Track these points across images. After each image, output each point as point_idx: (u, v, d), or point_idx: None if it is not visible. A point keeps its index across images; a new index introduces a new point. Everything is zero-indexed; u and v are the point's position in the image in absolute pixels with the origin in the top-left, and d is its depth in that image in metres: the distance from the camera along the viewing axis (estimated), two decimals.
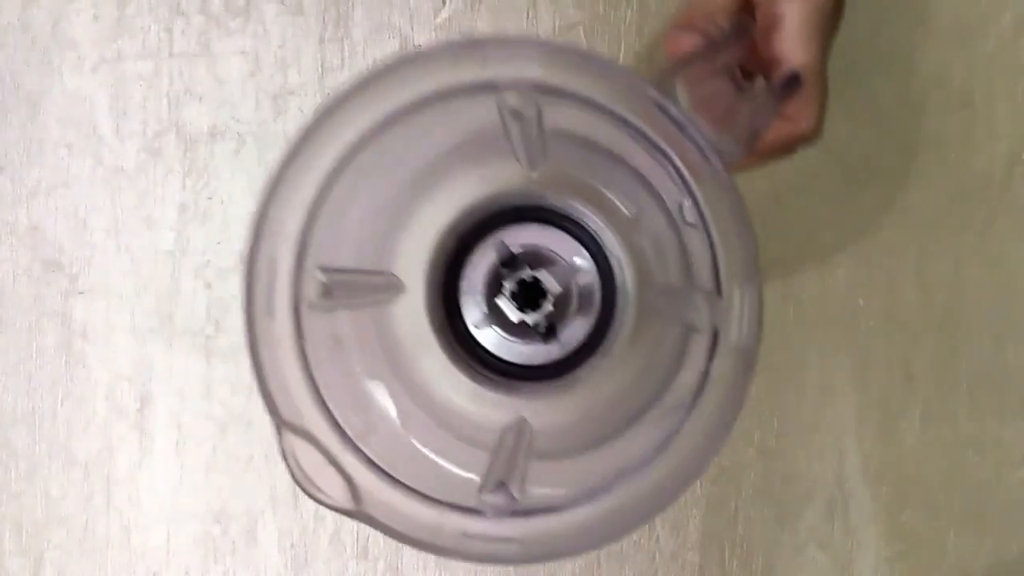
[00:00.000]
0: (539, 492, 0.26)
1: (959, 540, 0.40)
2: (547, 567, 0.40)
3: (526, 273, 0.35)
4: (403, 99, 0.25)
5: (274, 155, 0.41)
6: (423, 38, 0.41)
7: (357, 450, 0.25)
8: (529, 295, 0.35)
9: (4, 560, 0.42)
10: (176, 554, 0.42)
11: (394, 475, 0.25)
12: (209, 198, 0.42)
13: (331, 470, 0.24)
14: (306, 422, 0.24)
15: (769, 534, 0.40)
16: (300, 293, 0.25)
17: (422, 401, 0.32)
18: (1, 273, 0.42)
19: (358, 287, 0.28)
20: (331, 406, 0.25)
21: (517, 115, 0.25)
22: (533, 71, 0.24)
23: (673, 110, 0.24)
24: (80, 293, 0.42)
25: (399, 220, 0.32)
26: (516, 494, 0.25)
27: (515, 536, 0.25)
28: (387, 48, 0.41)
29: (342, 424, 0.25)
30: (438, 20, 0.41)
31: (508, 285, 0.35)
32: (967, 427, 0.40)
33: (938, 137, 0.40)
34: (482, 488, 0.26)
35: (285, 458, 0.24)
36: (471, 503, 0.25)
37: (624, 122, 0.25)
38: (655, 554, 0.40)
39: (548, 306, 0.35)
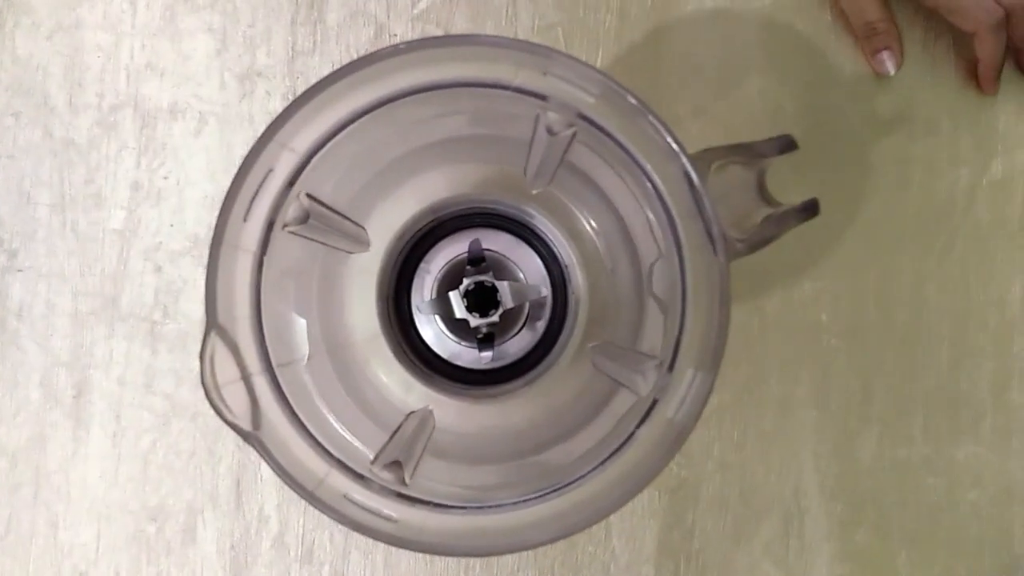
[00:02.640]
0: (427, 484, 0.27)
1: (909, 561, 0.40)
2: (503, 574, 0.39)
3: (488, 278, 0.35)
4: (454, 74, 0.24)
5: (237, 137, 0.40)
6: (399, 28, 0.40)
7: (272, 376, 0.25)
8: (482, 299, 0.35)
9: None
10: (106, 553, 0.40)
11: (298, 413, 0.25)
12: (165, 178, 0.40)
13: (240, 387, 0.24)
14: (237, 332, 0.24)
15: (724, 549, 0.40)
16: (280, 210, 0.25)
17: (338, 357, 0.31)
18: None
19: (331, 226, 0.28)
20: (264, 327, 0.24)
21: (551, 133, 0.25)
22: (586, 100, 0.24)
23: (700, 186, 0.24)
24: (19, 270, 0.40)
25: (388, 182, 0.31)
26: (407, 478, 0.26)
27: (395, 516, 0.25)
28: (361, 35, 0.40)
29: (268, 348, 0.24)
30: (415, 11, 0.40)
31: (466, 282, 0.35)
32: (921, 448, 0.40)
33: (903, 160, 0.41)
34: (375, 460, 0.26)
35: (202, 359, 0.24)
36: (361, 470, 0.25)
37: (647, 179, 0.25)
38: (610, 565, 0.40)
39: (495, 316, 0.35)
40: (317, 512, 0.39)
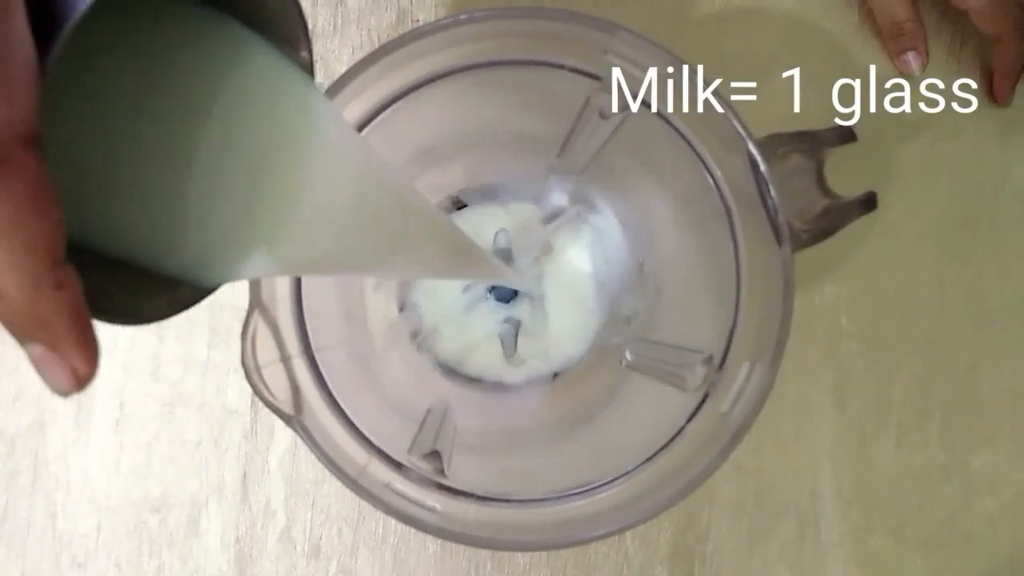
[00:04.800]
0: (467, 477, 0.26)
1: (924, 567, 0.40)
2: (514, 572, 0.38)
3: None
4: (510, 53, 0.23)
5: None
6: (422, 14, 0.39)
7: (311, 359, 0.24)
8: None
9: None
10: (106, 544, 0.38)
11: (337, 399, 0.24)
12: None
13: (280, 368, 0.23)
14: (277, 311, 0.23)
15: (739, 552, 0.39)
16: None
17: (356, 347, 0.30)
18: None
19: None
20: (305, 311, 0.23)
21: (603, 116, 0.24)
22: (646, 79, 0.23)
23: (766, 173, 0.23)
24: None
25: (412, 170, 0.30)
26: (446, 468, 0.25)
27: (437, 507, 0.24)
28: (383, 20, 0.39)
29: (308, 331, 0.23)
30: None
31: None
32: (938, 454, 0.40)
33: (926, 163, 0.40)
34: (412, 449, 0.25)
35: (244, 338, 0.23)
36: (400, 459, 0.25)
37: (704, 167, 0.24)
38: (623, 566, 0.39)
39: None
40: (325, 507, 0.39)
